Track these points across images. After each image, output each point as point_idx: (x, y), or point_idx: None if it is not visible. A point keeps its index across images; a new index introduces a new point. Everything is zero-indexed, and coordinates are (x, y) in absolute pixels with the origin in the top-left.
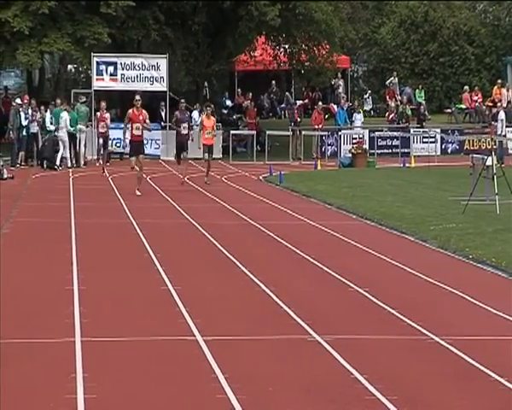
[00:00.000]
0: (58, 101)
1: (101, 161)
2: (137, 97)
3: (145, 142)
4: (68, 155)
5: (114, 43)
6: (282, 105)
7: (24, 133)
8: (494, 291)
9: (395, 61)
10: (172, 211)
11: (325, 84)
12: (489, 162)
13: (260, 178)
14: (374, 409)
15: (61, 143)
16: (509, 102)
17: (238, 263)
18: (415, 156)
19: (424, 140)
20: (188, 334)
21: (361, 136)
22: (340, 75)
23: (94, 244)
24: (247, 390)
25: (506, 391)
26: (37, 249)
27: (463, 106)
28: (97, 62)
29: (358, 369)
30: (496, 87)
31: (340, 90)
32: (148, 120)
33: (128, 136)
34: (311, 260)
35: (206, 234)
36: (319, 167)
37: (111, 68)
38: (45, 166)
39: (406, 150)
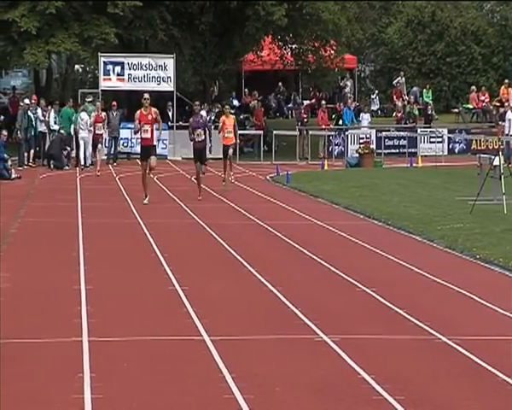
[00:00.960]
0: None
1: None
2: (146, 96)
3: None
4: (88, 155)
5: (121, 43)
6: (289, 105)
7: (32, 133)
8: (501, 291)
9: (402, 61)
10: (179, 211)
11: (331, 86)
12: (496, 162)
13: (267, 177)
14: (381, 409)
15: (82, 142)
16: None
17: (245, 263)
18: (422, 156)
19: (431, 140)
20: (195, 334)
21: (368, 136)
22: (348, 75)
23: (101, 244)
24: (254, 390)
25: None
26: (44, 249)
27: (470, 106)
28: (104, 62)
29: (366, 369)
30: (503, 87)
31: (347, 90)
32: (159, 117)
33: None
34: (319, 259)
35: (214, 234)
36: (326, 167)
37: (118, 68)
38: (52, 166)
39: (413, 150)
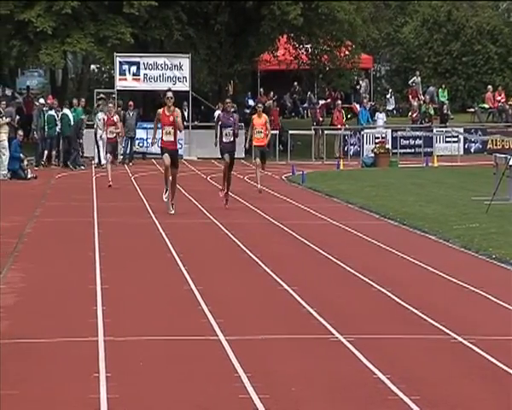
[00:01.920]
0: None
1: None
2: (169, 94)
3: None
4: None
5: (137, 42)
6: (305, 105)
7: (55, 133)
8: None
9: (418, 61)
10: (195, 211)
11: (346, 87)
12: None
13: (283, 177)
14: (396, 409)
15: (101, 142)
16: None
17: (261, 263)
18: (437, 156)
19: (447, 140)
20: (210, 334)
21: (383, 135)
22: (363, 75)
23: (117, 244)
24: (270, 390)
25: None
26: (60, 249)
27: (486, 105)
28: (120, 62)
29: (381, 369)
30: None
31: (362, 89)
32: (179, 119)
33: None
34: (334, 259)
35: (229, 234)
36: (341, 167)
37: (134, 68)
38: (70, 165)
39: (429, 150)
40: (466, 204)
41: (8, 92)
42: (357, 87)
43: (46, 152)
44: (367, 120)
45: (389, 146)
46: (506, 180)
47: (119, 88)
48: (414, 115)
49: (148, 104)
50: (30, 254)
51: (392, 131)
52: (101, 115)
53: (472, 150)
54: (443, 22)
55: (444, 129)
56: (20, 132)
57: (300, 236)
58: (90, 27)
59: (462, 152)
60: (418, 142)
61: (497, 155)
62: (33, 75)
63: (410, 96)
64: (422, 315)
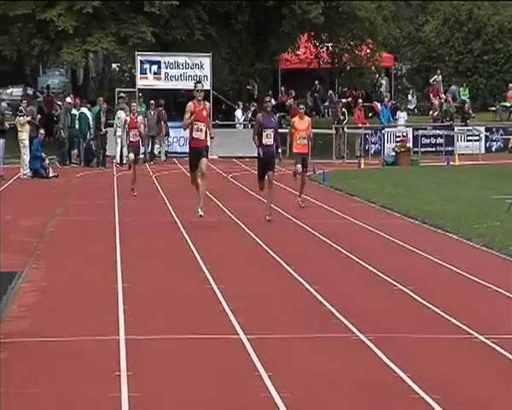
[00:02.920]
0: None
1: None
2: (199, 86)
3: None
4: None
5: (158, 42)
6: (326, 103)
7: (89, 133)
8: None
9: (439, 60)
10: (216, 210)
11: (367, 86)
12: None
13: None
14: (417, 408)
15: (119, 140)
16: None
17: (282, 262)
18: (459, 155)
19: (468, 138)
20: (231, 332)
21: (405, 134)
22: (383, 74)
23: (138, 243)
24: (291, 389)
25: None
26: (81, 248)
27: (508, 104)
28: (141, 61)
29: (402, 368)
30: None
31: (383, 88)
32: (209, 118)
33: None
34: (355, 258)
35: (250, 233)
36: (362, 166)
37: (155, 67)
38: (95, 164)
39: (450, 149)
40: (487, 203)
41: (30, 91)
42: (378, 86)
43: (75, 151)
44: (388, 118)
45: (410, 145)
46: None
47: (140, 87)
48: (435, 114)
49: (169, 103)
50: (51, 252)
51: (413, 129)
52: (121, 114)
53: (493, 149)
54: (464, 21)
55: (465, 128)
56: (42, 131)
57: (321, 235)
58: (112, 26)
59: (483, 151)
60: (439, 140)
61: None
62: (55, 74)
63: (432, 95)
64: (444, 314)
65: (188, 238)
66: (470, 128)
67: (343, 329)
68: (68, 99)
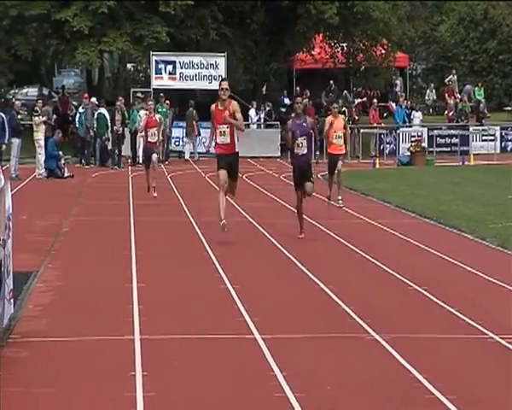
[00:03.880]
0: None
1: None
2: (224, 85)
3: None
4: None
5: (173, 42)
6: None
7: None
8: None
9: (454, 59)
10: (231, 210)
11: (381, 86)
12: None
13: (318, 176)
14: (433, 408)
15: (142, 140)
16: None
17: (296, 262)
18: (474, 154)
19: (483, 138)
20: (246, 332)
21: (420, 134)
22: (398, 74)
23: (153, 242)
24: (306, 389)
25: None
26: (96, 247)
27: None
28: (156, 61)
29: (417, 368)
30: None
31: (399, 88)
32: (239, 115)
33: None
34: (370, 258)
35: (265, 233)
36: (377, 166)
37: (170, 67)
38: (110, 164)
39: (465, 148)
40: (502, 203)
41: (45, 91)
42: (394, 85)
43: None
44: (403, 118)
45: (425, 145)
46: None
47: (155, 87)
48: (450, 114)
49: (184, 103)
50: (66, 252)
51: (428, 129)
52: (143, 113)
53: (509, 149)
54: (479, 20)
55: (480, 127)
56: (59, 131)
57: (336, 234)
58: (127, 27)
59: (498, 151)
60: (454, 140)
61: None
62: (70, 74)
63: (447, 95)
64: (459, 314)
65: (202, 238)
66: (485, 128)
67: (358, 329)
68: (94, 99)
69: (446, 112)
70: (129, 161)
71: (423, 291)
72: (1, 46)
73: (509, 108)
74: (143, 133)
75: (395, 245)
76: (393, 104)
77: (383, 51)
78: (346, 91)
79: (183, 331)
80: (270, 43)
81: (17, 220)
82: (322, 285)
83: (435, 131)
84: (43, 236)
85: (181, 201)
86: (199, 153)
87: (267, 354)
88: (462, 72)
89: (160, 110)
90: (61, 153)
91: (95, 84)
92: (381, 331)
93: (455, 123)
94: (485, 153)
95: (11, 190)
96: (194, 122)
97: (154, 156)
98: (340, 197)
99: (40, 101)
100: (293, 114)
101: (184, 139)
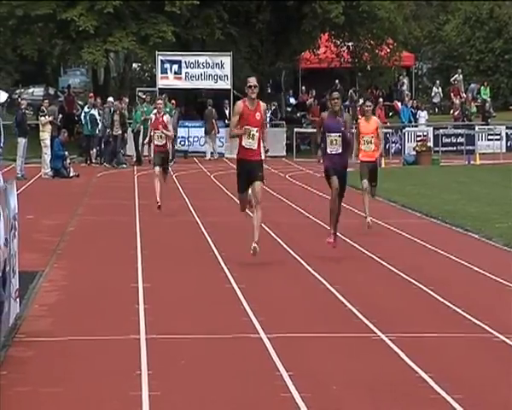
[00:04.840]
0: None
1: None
2: (252, 82)
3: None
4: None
5: (179, 41)
6: (346, 103)
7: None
8: None
9: (460, 59)
10: (237, 209)
11: (387, 85)
12: None
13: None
14: (439, 408)
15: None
16: None
17: (302, 261)
18: (480, 154)
19: (489, 137)
20: (252, 332)
21: (425, 133)
22: (404, 73)
23: (159, 242)
24: (312, 388)
25: None
26: (102, 247)
27: None
28: (162, 61)
29: (423, 368)
30: None
31: (404, 87)
32: (265, 119)
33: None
34: (376, 258)
35: (270, 232)
36: (383, 165)
37: (175, 67)
38: (114, 164)
39: (471, 148)
40: (509, 202)
41: (51, 91)
42: (401, 85)
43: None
44: (408, 118)
45: (431, 144)
46: None
47: (160, 86)
48: (456, 113)
49: (190, 103)
50: (72, 252)
51: (433, 128)
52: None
53: None
54: (485, 20)
55: (486, 127)
56: (65, 131)
57: (342, 234)
58: (132, 26)
59: (504, 150)
60: (460, 140)
61: None
62: (76, 74)
63: (452, 94)
64: (465, 314)
65: (208, 238)
66: (491, 127)
67: (364, 328)
68: (111, 98)
69: (452, 111)
70: (132, 159)
71: (429, 291)
72: (7, 46)
73: None
74: (152, 135)
75: (401, 245)
76: (399, 103)
77: (388, 51)
78: (351, 91)
79: (189, 331)
80: (276, 43)
81: (23, 220)
82: (327, 285)
83: (441, 131)
84: (48, 235)
85: (186, 200)
86: (189, 152)
87: (273, 353)
88: (468, 71)
89: (167, 110)
90: (66, 153)
91: (100, 84)
92: (386, 331)
93: (461, 122)
94: (490, 152)
95: (17, 190)
96: (213, 121)
97: (157, 169)
98: (369, 218)
99: (46, 101)
100: (327, 111)
101: (203, 139)
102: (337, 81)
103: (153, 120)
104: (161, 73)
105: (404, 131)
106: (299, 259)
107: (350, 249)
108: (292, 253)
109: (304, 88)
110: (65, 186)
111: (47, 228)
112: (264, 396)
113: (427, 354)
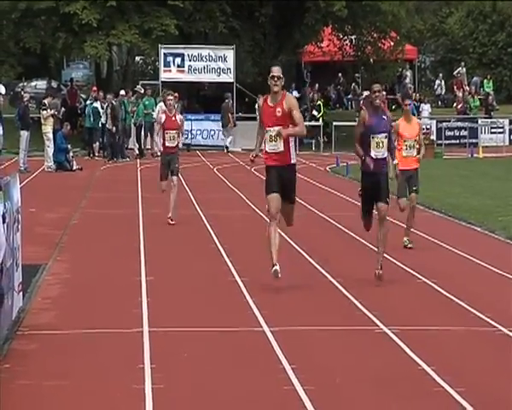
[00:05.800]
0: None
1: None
2: (275, 72)
3: (212, 133)
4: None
5: (182, 34)
6: (349, 96)
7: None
8: None
9: (463, 52)
10: (240, 202)
11: (390, 77)
12: None
13: (327, 169)
14: (441, 401)
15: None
16: None
17: (305, 254)
18: (483, 147)
19: (492, 131)
20: (255, 325)
21: (428, 126)
22: (407, 66)
23: (161, 235)
24: (315, 382)
25: None
26: (105, 240)
27: None
28: (165, 54)
29: (426, 361)
30: None
31: (407, 80)
32: (297, 114)
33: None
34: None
35: None
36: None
37: (178, 60)
38: (115, 157)
39: (474, 141)
40: (511, 195)
41: (54, 84)
42: (403, 78)
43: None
44: (411, 111)
45: (434, 137)
46: None
47: (163, 80)
48: (459, 106)
49: (193, 96)
50: (75, 245)
51: (436, 122)
52: (161, 106)
53: None
54: (488, 13)
55: (489, 120)
56: (67, 124)
57: (345, 227)
58: (135, 19)
59: (507, 143)
60: (463, 133)
61: None
62: (78, 67)
63: (455, 87)
64: (468, 307)
65: (211, 230)
66: (494, 120)
67: (367, 321)
68: (122, 91)
69: (455, 104)
70: (135, 154)
71: (432, 284)
72: (10, 39)
73: None
74: (160, 135)
75: (403, 238)
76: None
77: (391, 44)
78: (354, 84)
79: (192, 324)
80: (279, 36)
81: (26, 213)
82: (330, 278)
83: (444, 124)
84: (51, 228)
85: (189, 193)
86: (192, 145)
87: (276, 346)
88: (471, 64)
89: (175, 106)
90: (69, 146)
91: (103, 77)
92: (389, 324)
93: (463, 115)
94: (493, 145)
95: (20, 183)
96: (229, 114)
97: (163, 184)
98: (407, 237)
99: (50, 97)
100: (365, 107)
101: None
102: (340, 74)
103: (163, 119)
104: (164, 66)
105: None
106: (301, 251)
107: (352, 242)
108: (295, 245)
109: (308, 81)
110: (68, 179)
111: (50, 221)
112: (268, 389)
113: (430, 346)
